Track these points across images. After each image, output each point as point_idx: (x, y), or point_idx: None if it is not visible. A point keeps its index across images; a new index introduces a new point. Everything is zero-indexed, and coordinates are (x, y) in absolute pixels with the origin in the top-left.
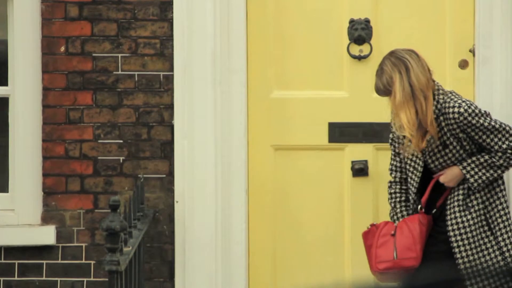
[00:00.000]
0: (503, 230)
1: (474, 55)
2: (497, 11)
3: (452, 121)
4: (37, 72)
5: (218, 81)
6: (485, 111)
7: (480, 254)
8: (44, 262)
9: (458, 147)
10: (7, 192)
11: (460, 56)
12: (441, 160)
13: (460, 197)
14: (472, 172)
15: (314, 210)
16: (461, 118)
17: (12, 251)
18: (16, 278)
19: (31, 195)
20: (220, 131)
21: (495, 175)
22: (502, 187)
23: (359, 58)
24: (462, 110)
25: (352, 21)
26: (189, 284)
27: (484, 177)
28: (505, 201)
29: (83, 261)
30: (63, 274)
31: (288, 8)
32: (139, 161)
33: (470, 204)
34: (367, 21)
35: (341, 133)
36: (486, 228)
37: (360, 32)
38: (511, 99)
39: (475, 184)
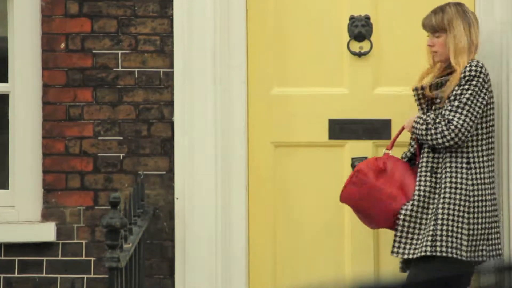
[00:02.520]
0: (446, 201)
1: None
2: (497, 8)
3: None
4: (37, 69)
5: (218, 78)
6: (485, 84)
7: (417, 214)
8: (44, 258)
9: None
10: (7, 189)
11: None
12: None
13: (424, 158)
14: (417, 121)
15: (314, 207)
16: (468, 72)
17: (12, 247)
18: (16, 275)
19: (31, 192)
20: (220, 128)
21: (425, 138)
22: (462, 161)
23: (359, 55)
24: (474, 66)
25: (352, 18)
26: (189, 281)
27: (418, 132)
28: (461, 177)
29: (83, 258)
30: (63, 270)
31: (288, 4)
32: (139, 158)
33: (434, 169)
34: (367, 18)
35: (341, 129)
36: (436, 194)
37: (360, 29)
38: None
39: (412, 131)
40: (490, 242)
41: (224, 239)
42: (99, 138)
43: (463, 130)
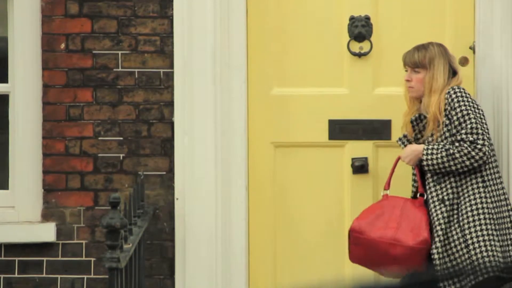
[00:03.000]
0: (471, 224)
1: (474, 52)
2: (497, 8)
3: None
4: (37, 69)
5: (218, 78)
6: (473, 104)
7: (448, 247)
8: (44, 259)
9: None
10: (7, 189)
11: (461, 53)
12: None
13: (432, 188)
14: (429, 152)
15: (314, 207)
16: (449, 98)
17: (12, 248)
18: (16, 275)
19: (31, 192)
20: (220, 128)
21: (448, 164)
22: (478, 181)
23: (359, 55)
24: (451, 91)
25: (352, 18)
26: (189, 281)
27: (436, 161)
28: (480, 197)
29: (83, 258)
30: (63, 271)
31: (289, 5)
32: (139, 158)
33: (445, 198)
34: (367, 18)
35: (341, 130)
36: (455, 221)
37: (360, 29)
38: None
39: (424, 163)
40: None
41: (224, 239)
42: (99, 138)
43: (486, 147)
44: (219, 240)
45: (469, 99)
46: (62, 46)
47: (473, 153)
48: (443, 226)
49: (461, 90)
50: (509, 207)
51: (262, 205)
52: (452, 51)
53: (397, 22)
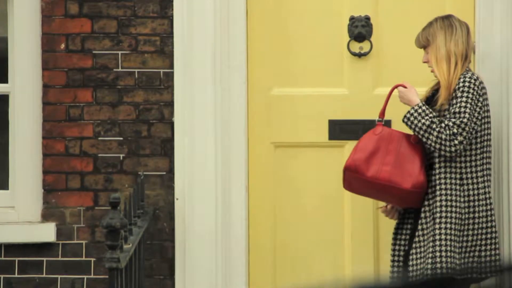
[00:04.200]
0: (443, 220)
1: (474, 52)
2: (497, 8)
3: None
4: (37, 69)
5: (218, 78)
6: (477, 100)
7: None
8: (44, 259)
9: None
10: (7, 189)
11: None
12: None
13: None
14: (418, 111)
15: (314, 208)
16: (460, 83)
17: (12, 248)
18: (16, 275)
19: (31, 192)
20: (220, 128)
21: (422, 134)
22: (456, 177)
23: (359, 55)
24: (465, 76)
25: (352, 18)
26: (189, 281)
27: (416, 122)
28: (456, 194)
29: (83, 258)
30: (63, 271)
31: (288, 5)
32: (139, 158)
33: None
34: (367, 19)
35: (341, 130)
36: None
37: (360, 30)
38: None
39: (407, 116)
40: (484, 260)
41: (224, 239)
42: (99, 138)
43: (461, 146)
44: (219, 240)
45: (475, 93)
46: (62, 46)
47: (447, 143)
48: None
49: (472, 78)
50: (488, 208)
51: (262, 205)
52: None
53: (397, 22)
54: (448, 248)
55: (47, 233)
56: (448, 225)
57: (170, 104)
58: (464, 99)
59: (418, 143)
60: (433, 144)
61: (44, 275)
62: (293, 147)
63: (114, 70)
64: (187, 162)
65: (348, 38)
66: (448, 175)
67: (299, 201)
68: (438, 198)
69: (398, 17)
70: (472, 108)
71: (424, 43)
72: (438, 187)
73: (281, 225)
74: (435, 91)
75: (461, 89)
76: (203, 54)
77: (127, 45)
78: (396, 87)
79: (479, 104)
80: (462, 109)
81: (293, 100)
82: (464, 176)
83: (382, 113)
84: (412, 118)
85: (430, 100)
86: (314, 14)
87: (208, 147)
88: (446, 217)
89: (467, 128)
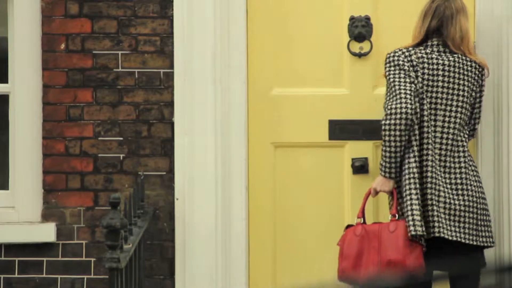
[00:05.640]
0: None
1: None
2: (498, 8)
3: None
4: (37, 69)
5: (218, 78)
6: (394, 67)
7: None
8: (44, 259)
9: None
10: (8, 189)
11: None
12: None
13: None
14: (380, 165)
15: (314, 208)
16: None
17: (13, 248)
18: (16, 275)
19: (31, 193)
20: (220, 128)
21: (386, 147)
22: (409, 152)
23: (359, 55)
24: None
25: (352, 19)
26: (189, 281)
27: (382, 159)
28: (409, 167)
29: (83, 258)
30: (63, 271)
31: (288, 5)
32: (139, 159)
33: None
34: (367, 19)
35: (341, 130)
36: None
37: (360, 30)
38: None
39: (384, 172)
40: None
41: (224, 239)
42: (99, 138)
43: (398, 110)
44: (219, 240)
45: (391, 63)
46: (62, 46)
47: (385, 122)
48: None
49: (390, 54)
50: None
51: (262, 205)
52: None
53: (397, 22)
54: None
55: (47, 233)
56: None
57: (170, 104)
58: (387, 77)
59: (396, 230)
60: (387, 137)
61: (44, 275)
62: (293, 147)
63: (114, 70)
64: (187, 162)
65: (348, 38)
66: (406, 154)
67: (299, 200)
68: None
69: (398, 17)
70: (391, 76)
71: None
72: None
73: (281, 225)
74: None
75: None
76: (203, 54)
77: (127, 45)
78: (368, 192)
79: (397, 67)
80: (386, 86)
81: (293, 100)
82: (416, 151)
83: (361, 212)
84: (381, 166)
85: None
86: (314, 14)
87: (208, 147)
88: (405, 189)
89: (392, 96)
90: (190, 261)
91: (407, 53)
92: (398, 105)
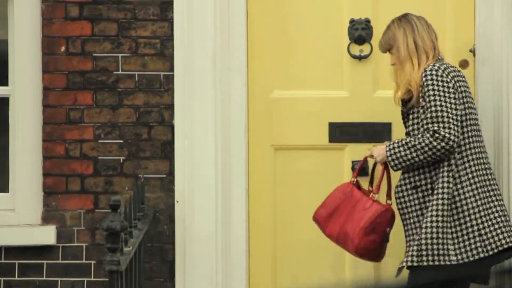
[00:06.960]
0: (434, 213)
1: (474, 55)
2: (497, 11)
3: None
4: (37, 72)
5: (219, 80)
6: (443, 86)
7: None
8: (45, 262)
9: (416, 116)
10: (8, 192)
11: (461, 56)
12: (406, 126)
13: (406, 175)
14: (391, 147)
15: (314, 210)
16: (423, 80)
17: (13, 251)
18: (16, 278)
19: (31, 195)
20: (220, 130)
21: (411, 156)
22: (445, 170)
23: (360, 58)
24: (427, 71)
25: (352, 21)
26: (190, 284)
27: (399, 155)
28: (448, 187)
29: (84, 261)
30: (63, 274)
31: (289, 7)
32: (140, 161)
33: (418, 184)
34: (367, 21)
35: (342, 133)
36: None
37: (360, 32)
38: None
39: (392, 163)
40: (485, 237)
41: (224, 242)
42: (99, 141)
43: (452, 136)
44: (219, 243)
45: (439, 81)
46: (62, 49)
47: (434, 143)
48: (418, 213)
49: (432, 69)
50: (480, 186)
51: (262, 208)
52: (452, 54)
53: None
54: (435, 235)
55: (47, 236)
56: (438, 212)
57: (170, 107)
58: (430, 92)
59: (370, 207)
60: (426, 155)
61: (44, 278)
62: (293, 149)
63: (114, 72)
64: (187, 165)
65: (348, 41)
66: (440, 169)
67: (299, 203)
68: (435, 193)
69: None
70: (440, 95)
71: (387, 46)
72: (435, 180)
73: (281, 228)
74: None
75: (425, 84)
76: (203, 57)
77: (127, 48)
78: (365, 158)
79: (450, 90)
80: (432, 103)
81: (294, 102)
82: (455, 168)
83: (357, 172)
84: (394, 157)
85: (407, 102)
86: (314, 17)
87: (208, 149)
88: (435, 205)
89: (446, 119)
90: (190, 263)
91: (448, 69)
92: (447, 132)
